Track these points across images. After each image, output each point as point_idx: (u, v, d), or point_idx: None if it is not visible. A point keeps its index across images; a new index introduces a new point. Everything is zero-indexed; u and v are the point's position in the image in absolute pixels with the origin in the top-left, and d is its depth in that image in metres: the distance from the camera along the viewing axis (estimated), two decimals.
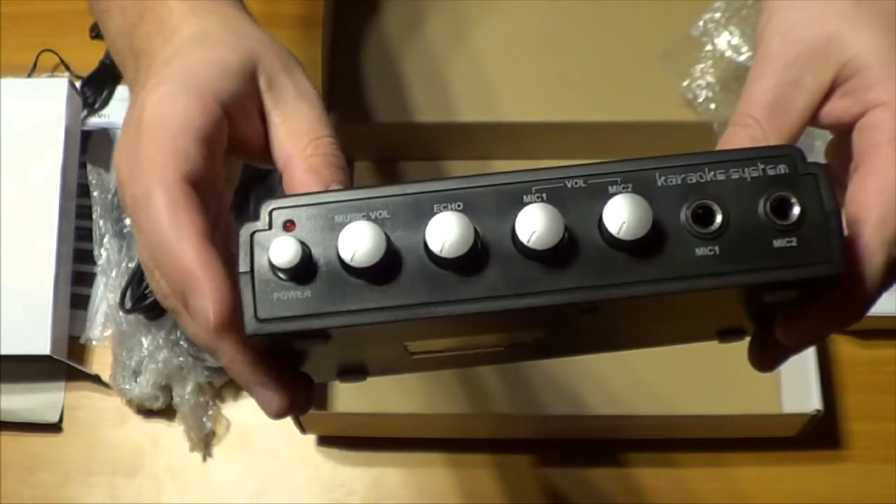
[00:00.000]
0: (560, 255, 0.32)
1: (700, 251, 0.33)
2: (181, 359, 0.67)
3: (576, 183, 0.33)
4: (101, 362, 0.71)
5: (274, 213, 0.33)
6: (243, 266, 0.33)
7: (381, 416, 0.68)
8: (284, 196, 0.34)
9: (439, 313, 0.33)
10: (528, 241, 0.32)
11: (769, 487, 0.67)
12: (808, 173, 0.33)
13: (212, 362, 0.68)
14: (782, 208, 0.33)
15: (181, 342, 0.67)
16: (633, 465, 0.68)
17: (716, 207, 0.33)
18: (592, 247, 0.32)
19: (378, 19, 0.80)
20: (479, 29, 0.79)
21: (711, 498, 0.67)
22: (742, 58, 0.74)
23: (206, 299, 0.34)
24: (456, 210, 0.33)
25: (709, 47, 0.75)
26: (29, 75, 0.78)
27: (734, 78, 0.74)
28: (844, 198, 0.37)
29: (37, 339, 0.68)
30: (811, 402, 0.63)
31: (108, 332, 0.70)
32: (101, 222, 0.71)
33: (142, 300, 0.68)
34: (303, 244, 0.33)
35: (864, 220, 0.35)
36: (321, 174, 0.38)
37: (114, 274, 0.70)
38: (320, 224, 0.33)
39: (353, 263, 0.32)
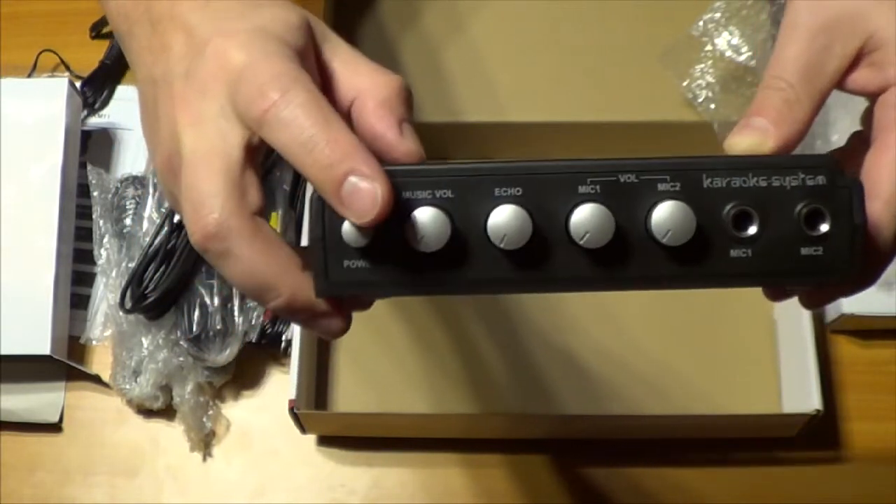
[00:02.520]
0: (608, 248, 0.35)
1: (734, 253, 0.35)
2: (181, 359, 0.67)
3: (628, 178, 0.35)
4: (101, 362, 0.71)
5: None
6: (315, 231, 0.35)
7: (382, 416, 0.68)
8: None
9: (493, 291, 0.36)
10: (581, 240, 0.34)
11: (769, 487, 0.67)
12: (845, 186, 0.35)
13: (211, 362, 0.68)
14: (815, 219, 0.35)
15: (181, 342, 0.67)
16: (633, 465, 0.68)
17: (754, 214, 0.35)
18: (637, 242, 0.35)
19: (378, 20, 0.80)
20: (478, 29, 0.79)
21: (711, 498, 0.67)
22: (742, 58, 0.74)
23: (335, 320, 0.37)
24: (515, 196, 0.35)
25: (709, 47, 0.75)
26: (29, 75, 0.78)
27: (734, 78, 0.74)
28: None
29: (37, 339, 0.68)
30: (811, 402, 0.63)
31: (108, 332, 0.70)
32: (101, 222, 0.71)
33: (142, 300, 0.68)
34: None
35: (876, 194, 0.37)
36: (394, 108, 0.38)
37: (114, 274, 0.70)
38: None
39: (419, 248, 0.34)
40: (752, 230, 0.35)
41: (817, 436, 0.66)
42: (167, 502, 0.68)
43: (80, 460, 0.69)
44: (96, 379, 0.70)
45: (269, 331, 0.69)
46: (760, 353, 0.70)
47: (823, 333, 0.70)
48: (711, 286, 0.35)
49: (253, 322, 0.69)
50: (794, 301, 0.66)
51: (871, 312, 0.67)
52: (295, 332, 0.66)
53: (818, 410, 0.62)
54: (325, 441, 0.69)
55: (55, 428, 0.70)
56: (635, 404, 0.69)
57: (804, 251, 0.35)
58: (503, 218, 0.34)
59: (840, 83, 0.40)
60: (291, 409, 0.63)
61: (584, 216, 0.34)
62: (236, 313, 0.68)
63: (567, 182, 0.35)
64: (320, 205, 0.35)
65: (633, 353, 0.70)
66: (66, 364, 0.69)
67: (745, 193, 0.35)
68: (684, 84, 0.75)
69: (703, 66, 0.75)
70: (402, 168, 0.35)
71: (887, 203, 0.37)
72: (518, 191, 0.35)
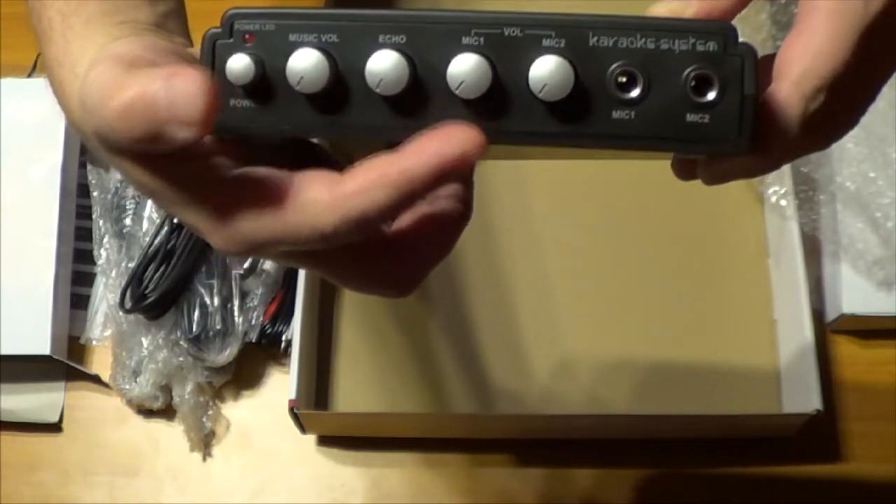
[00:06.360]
0: (486, 100, 0.34)
1: (616, 114, 0.34)
2: (181, 359, 0.67)
3: (513, 32, 0.34)
4: (101, 362, 0.71)
5: (235, 24, 0.35)
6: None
7: (382, 416, 0.68)
8: (245, 7, 0.35)
9: (372, 136, 0.35)
10: (457, 90, 0.34)
11: (769, 487, 0.67)
12: (737, 54, 0.34)
13: (211, 362, 0.68)
14: (702, 86, 0.34)
15: (181, 342, 0.68)
16: (633, 465, 0.68)
17: (639, 74, 0.34)
18: (517, 96, 0.34)
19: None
20: None
21: (711, 498, 0.67)
22: None
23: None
24: (398, 43, 0.35)
25: None
26: (29, 75, 0.78)
27: None
28: None
29: (37, 339, 0.68)
30: (811, 402, 0.63)
31: (108, 332, 0.70)
32: (101, 222, 0.71)
33: (142, 300, 0.68)
34: (257, 62, 0.34)
35: (786, 74, 0.37)
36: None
37: (114, 274, 0.70)
38: (276, 41, 0.35)
39: (299, 89, 0.34)
40: (636, 92, 0.34)
41: (817, 436, 0.66)
42: (167, 502, 0.68)
43: (80, 460, 0.69)
44: (96, 379, 0.70)
45: (269, 331, 0.69)
46: (760, 353, 0.70)
47: (823, 333, 0.70)
48: (593, 146, 0.34)
49: (253, 322, 0.69)
50: (794, 301, 0.67)
51: (871, 312, 0.67)
52: (295, 332, 0.66)
53: (818, 410, 0.62)
54: (325, 441, 0.69)
55: (55, 428, 0.70)
56: (635, 404, 0.69)
57: (690, 118, 0.34)
58: (380, 63, 0.34)
59: None
60: (291, 409, 0.63)
61: (461, 66, 0.34)
62: (236, 313, 0.68)
63: (451, 32, 0.34)
64: (211, 43, 0.35)
65: (633, 353, 0.70)
66: (66, 364, 0.69)
67: (631, 54, 0.34)
68: None
69: None
70: (290, 10, 0.35)
71: (795, 84, 0.36)
72: (402, 38, 0.35)
